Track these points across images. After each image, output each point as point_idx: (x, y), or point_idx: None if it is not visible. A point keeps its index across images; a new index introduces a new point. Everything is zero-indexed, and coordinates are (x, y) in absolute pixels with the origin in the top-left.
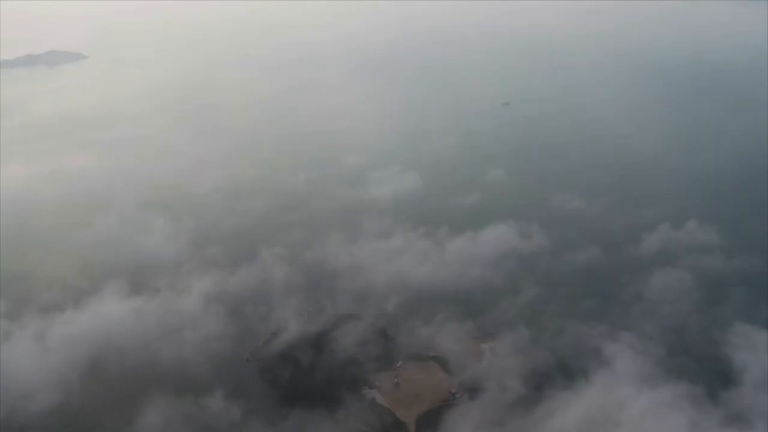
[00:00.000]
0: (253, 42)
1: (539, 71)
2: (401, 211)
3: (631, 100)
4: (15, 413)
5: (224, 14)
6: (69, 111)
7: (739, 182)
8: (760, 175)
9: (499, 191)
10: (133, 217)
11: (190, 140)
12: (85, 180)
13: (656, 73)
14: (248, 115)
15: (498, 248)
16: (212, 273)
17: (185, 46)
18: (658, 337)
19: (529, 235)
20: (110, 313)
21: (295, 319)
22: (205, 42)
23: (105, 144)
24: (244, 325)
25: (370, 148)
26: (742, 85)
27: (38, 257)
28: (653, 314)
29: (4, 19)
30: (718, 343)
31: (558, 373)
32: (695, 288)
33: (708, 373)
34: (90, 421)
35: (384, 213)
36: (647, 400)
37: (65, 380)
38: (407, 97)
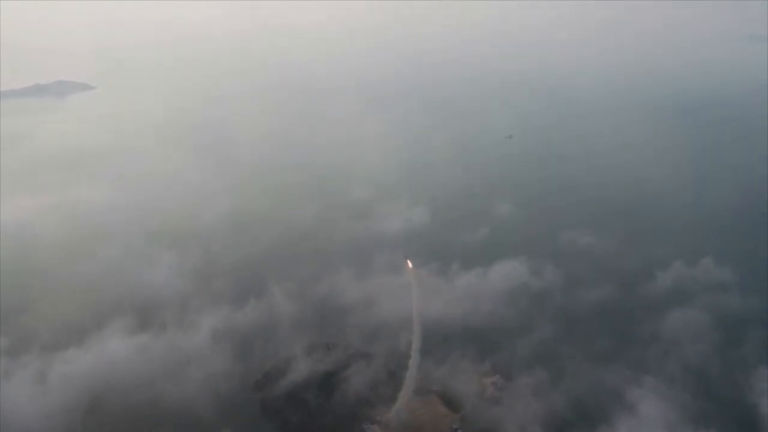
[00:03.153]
0: (260, 73)
1: (541, 104)
2: (410, 245)
3: (635, 134)
4: None
5: (232, 48)
6: (75, 142)
7: (753, 219)
8: None
9: (508, 226)
10: (139, 250)
11: (197, 172)
12: (90, 212)
13: (660, 107)
14: (255, 147)
15: (509, 284)
16: (219, 308)
17: (193, 77)
18: (681, 381)
19: (540, 272)
20: (114, 351)
21: (304, 357)
22: (213, 73)
23: (110, 175)
24: (252, 363)
25: (377, 180)
26: (749, 120)
27: (40, 292)
28: (673, 355)
29: (13, 48)
30: (743, 388)
31: (578, 417)
32: (713, 328)
33: (735, 421)
34: None
35: (393, 247)
36: None
37: (66, 421)
38: (412, 130)
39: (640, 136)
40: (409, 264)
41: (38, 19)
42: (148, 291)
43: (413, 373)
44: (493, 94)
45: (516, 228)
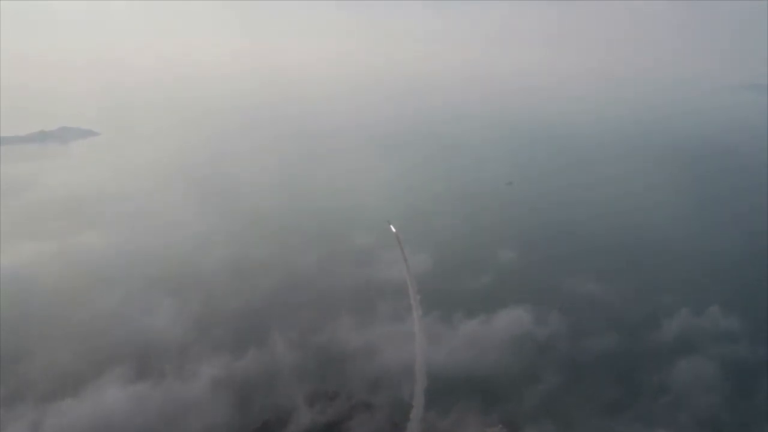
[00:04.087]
0: (261, 116)
1: (540, 150)
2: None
3: (636, 181)
4: None
5: (234, 89)
6: (77, 187)
7: (760, 268)
8: None
9: (511, 273)
10: (138, 297)
11: (198, 216)
12: (90, 258)
13: (661, 155)
14: (257, 192)
15: (514, 333)
16: (219, 356)
17: (196, 121)
18: None
19: (545, 320)
20: (111, 401)
21: (305, 407)
22: (215, 116)
23: (112, 220)
24: (251, 413)
25: (379, 226)
26: (751, 169)
27: (38, 340)
28: (683, 407)
29: (18, 94)
30: None
31: None
32: (723, 378)
33: None
34: None
35: (396, 295)
36: None
37: None
38: (413, 176)
39: (642, 182)
40: (393, 228)
41: (41, 63)
42: (147, 338)
43: (417, 425)
44: (492, 139)
45: (519, 275)
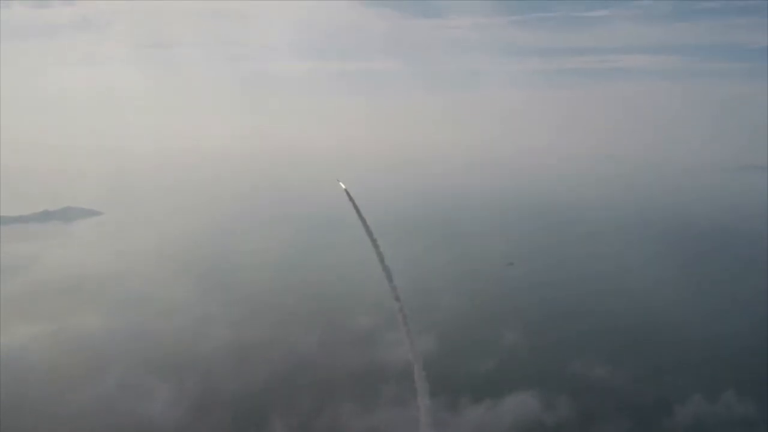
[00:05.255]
0: (264, 197)
1: (540, 228)
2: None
3: (637, 260)
4: None
5: (238, 169)
6: (77, 268)
7: None
8: None
9: (516, 355)
10: (135, 380)
11: (198, 297)
12: (89, 339)
13: (660, 232)
14: (258, 272)
15: (521, 419)
16: None
17: (199, 201)
18: None
19: (553, 405)
20: None
21: None
22: (218, 196)
23: (111, 302)
24: None
25: (381, 307)
26: (754, 249)
27: (32, 423)
28: None
29: (22, 175)
30: None
31: None
32: None
33: None
34: None
35: (400, 378)
36: None
37: None
38: (414, 255)
39: (645, 261)
40: (342, 185)
41: (46, 143)
42: (144, 423)
43: None
44: (491, 218)
45: (524, 358)
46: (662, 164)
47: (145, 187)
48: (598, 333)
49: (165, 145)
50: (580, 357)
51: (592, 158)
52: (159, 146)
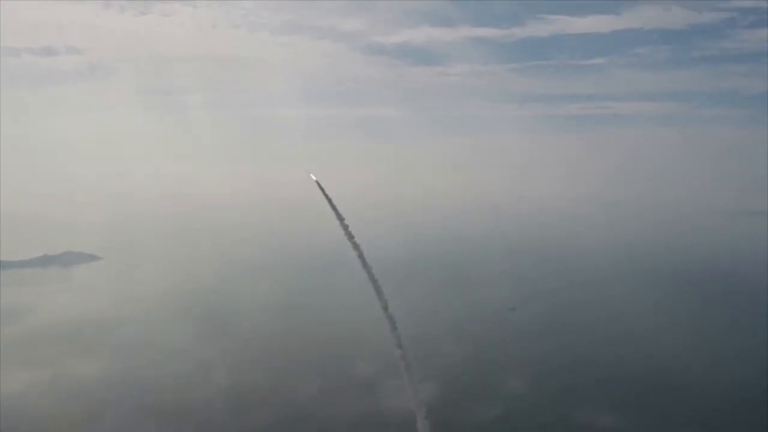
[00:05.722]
0: (265, 243)
1: (544, 274)
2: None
3: (641, 305)
4: None
5: (239, 215)
6: (76, 313)
7: None
8: None
9: (521, 404)
10: (133, 427)
11: (196, 343)
12: (85, 386)
13: (663, 277)
14: (257, 318)
15: None
16: None
17: (199, 246)
18: None
19: None
20: None
21: None
22: (219, 242)
23: (109, 347)
24: None
25: (382, 354)
26: (756, 295)
27: None
28: None
29: (22, 220)
30: None
31: None
32: None
33: None
34: None
35: (401, 427)
36: None
37: None
38: (415, 301)
39: (647, 307)
40: (313, 177)
41: (47, 188)
42: None
43: None
44: (493, 262)
45: (530, 407)
46: (662, 209)
47: (145, 232)
48: (603, 380)
49: (166, 190)
50: (586, 405)
51: (593, 203)
52: (160, 191)
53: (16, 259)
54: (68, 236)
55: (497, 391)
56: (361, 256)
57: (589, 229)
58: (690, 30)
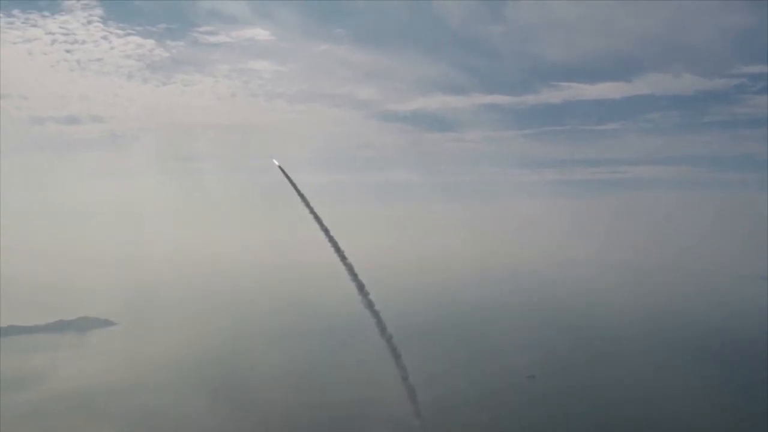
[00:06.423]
0: (281, 310)
1: (561, 341)
2: None
3: (661, 370)
4: None
5: (255, 282)
6: (89, 380)
7: None
8: None
9: None
10: None
11: (211, 412)
12: None
13: (682, 343)
14: (272, 388)
15: None
16: None
17: (215, 313)
18: None
19: None
20: None
21: None
22: (234, 310)
23: (121, 416)
24: None
25: (400, 424)
26: None
27: None
28: None
29: (39, 284)
30: None
31: None
32: None
33: None
34: None
35: None
36: None
37: None
38: (429, 368)
39: (666, 371)
40: (276, 162)
41: (63, 254)
42: None
43: None
44: (510, 327)
45: None
46: (679, 272)
47: (161, 297)
48: None
49: (183, 254)
50: None
51: (609, 267)
52: (177, 257)
53: (32, 324)
54: (84, 301)
55: None
56: (379, 323)
57: (606, 293)
58: (701, 96)
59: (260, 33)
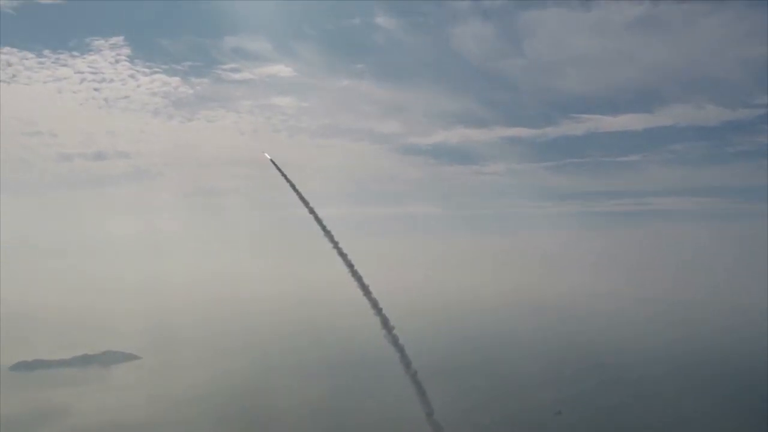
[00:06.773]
0: (304, 344)
1: (587, 374)
2: None
3: (690, 407)
4: None
5: (278, 315)
6: (111, 415)
7: None
8: None
9: None
10: None
11: None
12: None
13: (711, 377)
14: (296, 425)
15: None
16: None
17: (239, 346)
18: None
19: None
20: None
21: None
22: (258, 343)
23: None
24: None
25: None
26: None
27: None
28: None
29: (64, 318)
30: None
31: None
32: None
33: None
34: None
35: None
36: None
37: None
38: (456, 405)
39: (694, 407)
40: (267, 155)
41: (88, 288)
42: None
43: None
44: (537, 363)
45: None
46: (705, 305)
47: (185, 331)
48: None
49: (207, 288)
50: None
51: (635, 299)
52: (201, 290)
53: (58, 358)
54: (109, 335)
55: None
56: (404, 359)
57: (635, 327)
58: (724, 126)
59: (283, 69)
